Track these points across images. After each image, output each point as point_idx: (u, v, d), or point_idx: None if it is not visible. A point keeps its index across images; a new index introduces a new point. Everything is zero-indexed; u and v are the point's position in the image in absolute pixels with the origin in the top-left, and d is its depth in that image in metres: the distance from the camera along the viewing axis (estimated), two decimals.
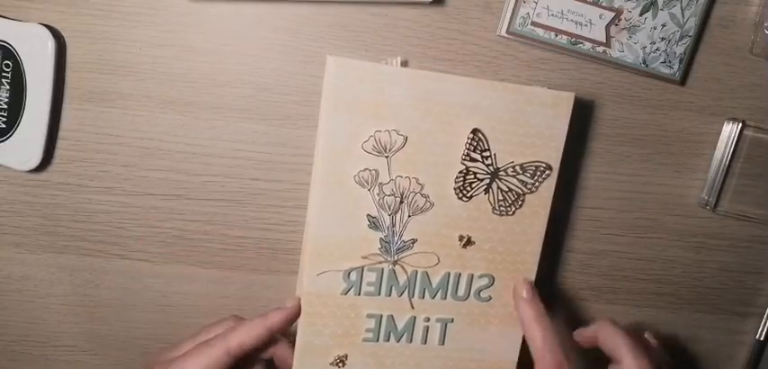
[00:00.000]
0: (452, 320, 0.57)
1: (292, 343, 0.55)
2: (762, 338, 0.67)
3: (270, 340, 0.53)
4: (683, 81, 0.60)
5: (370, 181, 0.51)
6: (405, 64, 0.56)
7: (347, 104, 0.50)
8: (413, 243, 0.54)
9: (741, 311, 0.67)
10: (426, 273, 0.55)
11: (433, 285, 0.55)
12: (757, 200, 0.63)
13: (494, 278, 0.56)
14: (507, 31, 0.56)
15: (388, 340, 0.56)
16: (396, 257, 0.54)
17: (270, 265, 0.60)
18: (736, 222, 0.64)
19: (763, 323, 0.66)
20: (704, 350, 0.68)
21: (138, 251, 0.59)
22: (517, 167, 0.54)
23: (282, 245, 0.60)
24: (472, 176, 0.53)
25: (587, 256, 0.64)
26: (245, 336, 0.51)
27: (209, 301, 0.61)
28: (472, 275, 0.56)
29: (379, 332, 0.55)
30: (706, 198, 0.62)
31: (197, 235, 0.59)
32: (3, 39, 0.52)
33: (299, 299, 0.53)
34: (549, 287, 0.64)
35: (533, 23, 0.56)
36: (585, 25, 0.56)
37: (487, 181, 0.54)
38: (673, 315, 0.66)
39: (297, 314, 0.53)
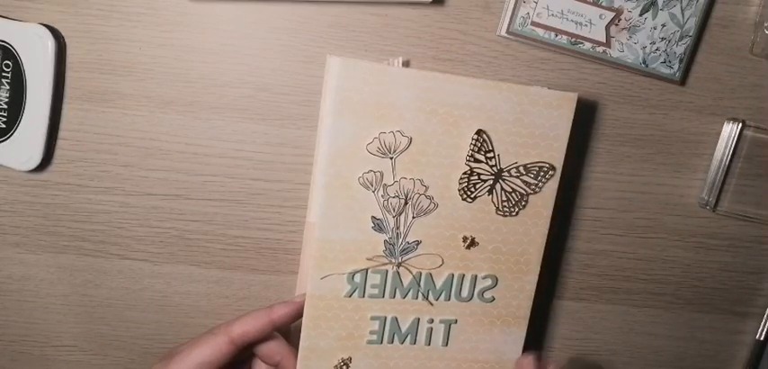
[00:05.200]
0: (456, 321, 0.57)
1: (295, 345, 0.55)
2: (762, 338, 0.67)
3: (272, 333, 0.53)
4: (683, 81, 0.60)
5: (374, 183, 0.51)
6: (406, 64, 0.56)
7: (351, 106, 0.49)
8: (417, 245, 0.54)
9: (741, 311, 0.67)
10: (430, 274, 0.55)
11: (437, 287, 0.55)
12: (757, 200, 0.63)
13: (497, 279, 0.56)
14: (507, 31, 0.56)
15: (392, 342, 0.56)
16: (400, 259, 0.54)
17: (270, 265, 0.60)
18: (736, 222, 0.64)
19: (763, 323, 0.67)
20: (704, 350, 0.68)
21: (138, 251, 0.59)
22: (521, 168, 0.54)
23: (282, 245, 0.60)
24: (476, 177, 0.53)
25: (587, 256, 0.64)
26: (248, 325, 0.51)
27: (209, 301, 0.61)
28: (476, 276, 0.56)
29: (383, 334, 0.55)
30: (706, 198, 0.62)
31: (197, 235, 0.59)
32: (3, 39, 0.52)
33: (305, 295, 0.53)
34: (549, 287, 0.64)
35: (533, 23, 0.56)
36: (585, 25, 0.56)
37: (491, 182, 0.54)
38: (673, 315, 0.67)
39: (302, 310, 0.53)
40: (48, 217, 0.57)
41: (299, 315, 0.53)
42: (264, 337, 0.53)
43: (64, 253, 0.58)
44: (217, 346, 0.50)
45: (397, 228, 0.53)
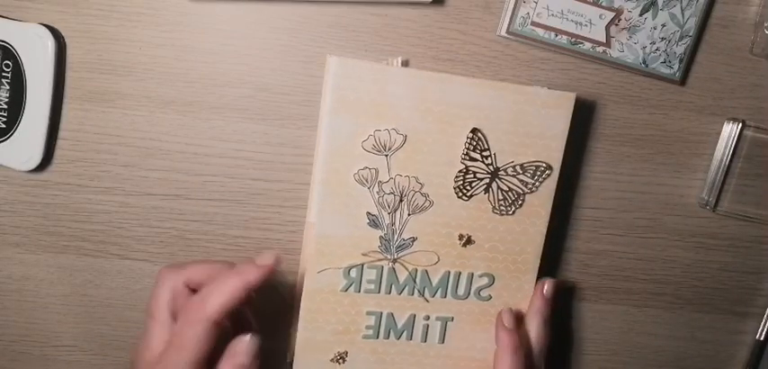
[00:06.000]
0: (452, 319, 0.57)
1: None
2: (762, 338, 0.66)
3: (247, 298, 0.48)
4: (683, 81, 0.60)
5: (369, 179, 0.52)
6: (405, 64, 0.56)
7: (348, 104, 0.50)
8: (412, 241, 0.54)
9: (741, 311, 0.67)
10: (426, 271, 0.55)
11: (433, 284, 0.55)
12: (757, 200, 0.63)
13: (494, 277, 0.56)
14: (507, 31, 0.56)
15: (388, 337, 0.56)
16: (395, 255, 0.54)
17: None
18: (736, 222, 0.64)
19: (763, 323, 0.66)
20: (704, 350, 0.68)
21: (138, 251, 0.59)
22: (517, 167, 0.54)
23: (282, 245, 0.60)
24: (472, 176, 0.53)
25: (587, 256, 0.64)
26: (223, 297, 0.46)
27: None
28: (472, 274, 0.56)
29: (379, 329, 0.56)
30: (706, 198, 0.62)
31: (197, 235, 0.59)
32: (3, 39, 0.52)
33: (275, 254, 0.49)
34: None
35: (533, 23, 0.56)
36: (585, 25, 0.56)
37: (487, 180, 0.54)
38: (673, 315, 0.66)
39: (271, 270, 0.48)
40: (48, 217, 0.57)
41: (269, 275, 0.48)
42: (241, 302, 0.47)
43: (64, 253, 0.58)
44: (200, 340, 0.45)
45: (393, 224, 0.53)
